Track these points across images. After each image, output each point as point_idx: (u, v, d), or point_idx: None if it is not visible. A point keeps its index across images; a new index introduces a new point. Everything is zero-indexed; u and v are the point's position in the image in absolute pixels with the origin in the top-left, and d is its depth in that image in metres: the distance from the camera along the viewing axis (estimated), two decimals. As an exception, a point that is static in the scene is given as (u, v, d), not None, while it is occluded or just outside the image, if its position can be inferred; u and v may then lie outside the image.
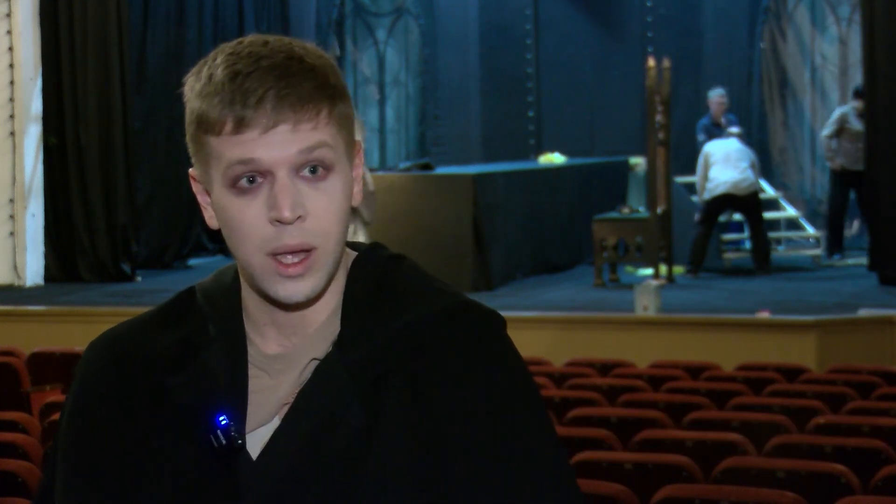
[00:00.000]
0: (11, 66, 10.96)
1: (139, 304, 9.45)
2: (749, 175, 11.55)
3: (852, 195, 12.54)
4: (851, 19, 14.32)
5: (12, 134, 10.99)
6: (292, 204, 1.54)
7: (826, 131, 12.67)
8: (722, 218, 12.12)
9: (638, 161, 13.58)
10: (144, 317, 1.71)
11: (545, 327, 8.87)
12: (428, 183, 11.22)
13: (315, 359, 1.62)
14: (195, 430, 1.59)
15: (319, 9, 15.52)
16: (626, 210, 11.47)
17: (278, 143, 1.54)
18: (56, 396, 5.77)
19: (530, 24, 15.53)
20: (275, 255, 1.56)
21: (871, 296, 9.90)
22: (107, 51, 11.44)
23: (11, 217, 11.00)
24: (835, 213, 12.59)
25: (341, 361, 1.59)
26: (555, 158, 13.61)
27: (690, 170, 13.23)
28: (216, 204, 1.60)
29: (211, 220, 1.63)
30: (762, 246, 11.72)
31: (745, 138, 12.27)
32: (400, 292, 1.64)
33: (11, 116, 10.98)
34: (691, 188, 12.75)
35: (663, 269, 10.96)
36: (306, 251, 1.56)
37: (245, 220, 1.56)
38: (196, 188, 1.64)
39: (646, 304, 8.86)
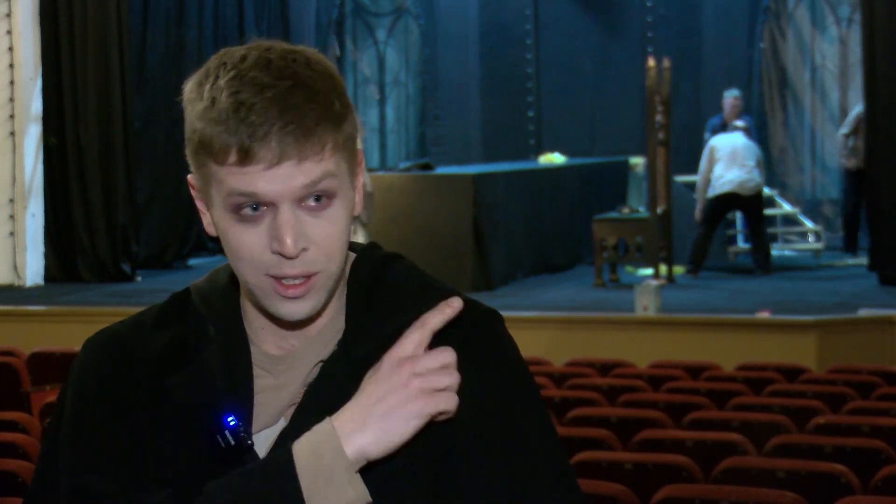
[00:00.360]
0: (11, 66, 10.96)
1: (139, 304, 9.42)
2: (755, 175, 11.52)
3: None
4: (851, 19, 14.32)
5: (12, 134, 10.99)
6: (295, 238, 1.53)
7: (843, 130, 12.66)
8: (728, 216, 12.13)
9: (638, 161, 13.58)
10: (140, 316, 1.71)
11: (545, 327, 8.87)
12: (428, 183, 11.22)
13: (321, 361, 1.62)
14: (197, 430, 1.59)
15: (319, 9, 15.53)
16: (626, 210, 11.47)
17: (283, 177, 1.53)
18: (56, 396, 5.76)
19: (530, 24, 15.53)
20: (275, 279, 1.56)
21: (871, 296, 9.90)
22: (107, 51, 11.44)
23: (11, 217, 11.00)
24: (850, 213, 12.59)
25: (347, 361, 1.60)
26: (555, 158, 13.61)
27: (691, 169, 13.25)
28: (217, 222, 1.59)
29: (209, 227, 1.62)
30: (763, 246, 11.71)
31: (751, 133, 12.27)
32: (401, 291, 1.65)
33: (11, 116, 10.98)
34: (694, 187, 12.77)
35: (663, 269, 10.96)
36: (307, 276, 1.56)
37: (245, 245, 1.56)
38: (194, 194, 1.63)
39: (646, 304, 8.86)
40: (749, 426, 5.04)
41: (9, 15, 10.94)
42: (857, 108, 12.70)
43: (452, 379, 1.52)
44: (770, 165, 14.39)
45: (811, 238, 13.13)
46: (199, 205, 1.63)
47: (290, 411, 1.60)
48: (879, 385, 6.20)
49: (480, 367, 1.60)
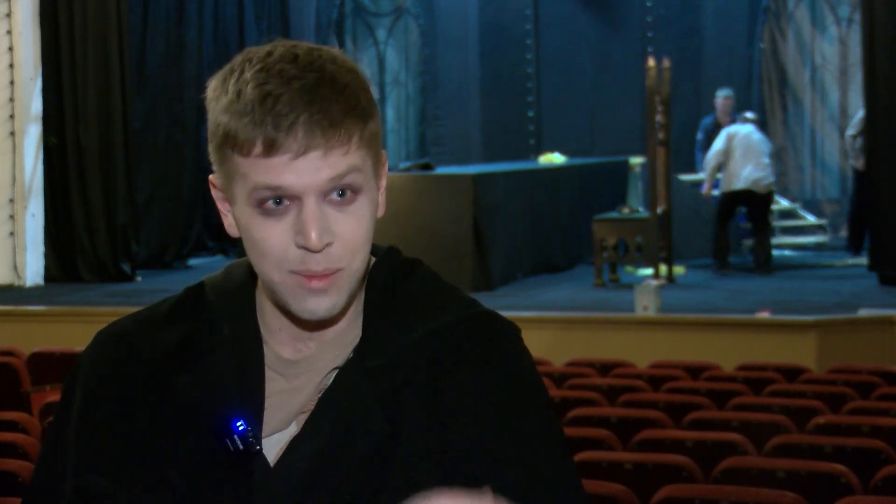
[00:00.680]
0: (11, 66, 10.96)
1: (139, 305, 9.38)
2: (769, 173, 11.63)
3: None
4: (851, 19, 14.32)
5: (12, 134, 10.99)
6: (320, 232, 1.51)
7: (850, 131, 12.69)
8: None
9: (638, 161, 13.59)
10: (152, 310, 1.69)
11: (545, 327, 8.87)
12: (428, 183, 11.22)
13: (335, 367, 1.60)
14: (206, 432, 1.57)
15: (319, 9, 15.53)
16: (626, 210, 11.47)
17: (308, 169, 1.51)
18: (56, 396, 5.76)
19: (530, 24, 15.54)
20: (298, 274, 1.54)
21: (871, 296, 9.90)
22: (107, 51, 11.44)
23: (11, 217, 11.00)
24: (855, 212, 12.62)
25: (362, 369, 1.58)
26: (555, 158, 13.61)
27: (690, 169, 13.27)
28: (239, 219, 1.57)
29: (231, 227, 1.60)
30: (766, 246, 11.75)
31: (760, 126, 12.38)
32: (419, 300, 1.64)
33: (11, 116, 10.98)
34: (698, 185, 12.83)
35: (663, 269, 10.96)
36: (331, 273, 1.55)
37: (269, 240, 1.53)
38: (216, 195, 1.61)
39: (646, 304, 8.86)
40: (749, 426, 5.04)
41: (9, 15, 10.94)
42: (863, 110, 12.75)
43: None
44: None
45: (816, 233, 13.16)
46: (221, 206, 1.61)
47: (303, 418, 1.58)
48: (879, 385, 6.20)
49: (500, 379, 1.60)
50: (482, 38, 15.71)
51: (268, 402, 1.60)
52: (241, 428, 1.55)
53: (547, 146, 14.86)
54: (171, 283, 11.00)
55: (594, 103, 15.29)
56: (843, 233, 13.81)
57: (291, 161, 1.51)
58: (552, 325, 8.94)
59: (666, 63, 11.21)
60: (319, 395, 1.59)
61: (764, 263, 11.63)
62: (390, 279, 1.65)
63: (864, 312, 8.87)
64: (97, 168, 11.49)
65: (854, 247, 12.55)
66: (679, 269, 11.46)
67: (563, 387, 6.18)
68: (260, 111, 1.50)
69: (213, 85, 1.57)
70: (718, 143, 11.71)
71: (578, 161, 13.79)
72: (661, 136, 11.07)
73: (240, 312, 1.64)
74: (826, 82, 14.70)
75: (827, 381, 6.40)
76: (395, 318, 1.61)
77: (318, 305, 1.55)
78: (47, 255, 11.29)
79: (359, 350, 1.60)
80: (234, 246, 12.45)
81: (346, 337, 1.62)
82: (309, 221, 1.51)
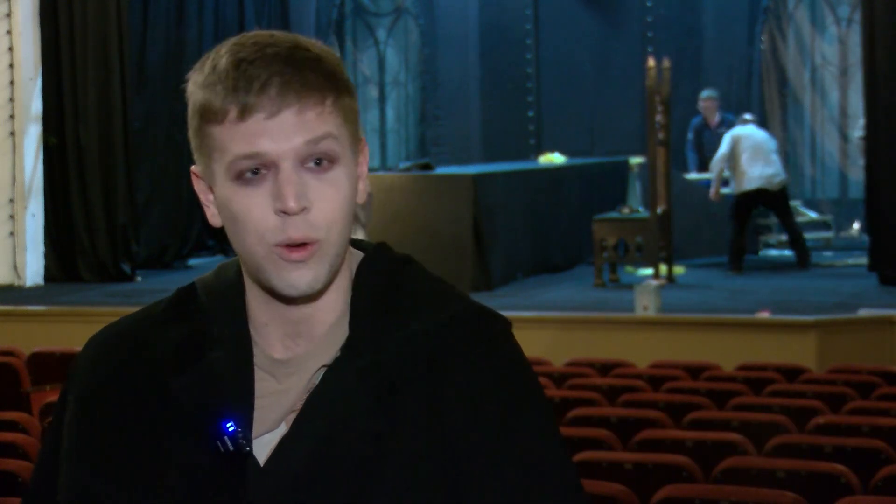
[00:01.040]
0: (11, 66, 10.96)
1: (139, 305, 9.37)
2: (780, 169, 11.75)
3: None
4: (851, 19, 14.32)
5: (12, 134, 10.99)
6: (297, 194, 1.52)
7: (860, 132, 12.73)
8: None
9: (637, 161, 13.59)
10: (144, 313, 1.69)
11: (545, 327, 8.87)
12: (428, 183, 11.22)
13: (324, 366, 1.60)
14: (200, 433, 1.58)
15: (319, 9, 15.53)
16: (626, 210, 11.47)
17: (283, 131, 1.53)
18: (56, 396, 5.76)
19: (530, 24, 15.53)
20: (278, 246, 1.54)
21: (871, 296, 9.90)
22: (107, 51, 11.44)
23: (11, 217, 11.00)
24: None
25: (351, 367, 1.58)
26: (555, 158, 13.60)
27: (684, 169, 13.28)
28: (220, 198, 1.58)
29: (213, 217, 1.61)
30: (799, 239, 11.86)
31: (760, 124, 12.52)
32: (409, 297, 1.63)
33: (11, 116, 10.98)
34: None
35: (663, 269, 10.96)
36: (310, 243, 1.55)
37: (250, 210, 1.54)
38: (198, 186, 1.62)
39: (646, 304, 8.86)
40: (749, 426, 5.04)
41: (9, 15, 10.94)
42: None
43: None
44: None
45: (821, 229, 13.18)
46: (204, 197, 1.61)
47: (292, 417, 1.58)
48: (879, 385, 6.20)
49: (492, 374, 1.59)
50: (482, 38, 15.70)
51: (259, 403, 1.60)
52: (230, 429, 1.56)
53: (547, 146, 14.85)
54: (171, 283, 10.97)
55: (594, 103, 15.28)
56: (844, 232, 13.83)
57: (265, 121, 1.52)
58: (552, 325, 8.94)
59: (666, 63, 11.21)
60: (308, 394, 1.59)
61: (804, 257, 11.74)
62: (379, 275, 1.64)
63: (864, 312, 8.87)
64: (97, 168, 11.49)
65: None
66: (679, 269, 11.46)
67: (563, 387, 6.18)
68: (233, 75, 1.53)
69: (192, 76, 1.59)
70: (724, 148, 11.77)
71: (578, 161, 13.79)
72: (661, 136, 11.07)
73: (230, 313, 1.64)
74: (826, 82, 14.70)
75: (827, 381, 6.41)
76: (384, 315, 1.61)
77: (299, 278, 1.55)
78: (47, 255, 11.29)
79: (347, 348, 1.59)
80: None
81: (335, 335, 1.61)
82: (285, 184, 1.52)
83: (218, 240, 13.37)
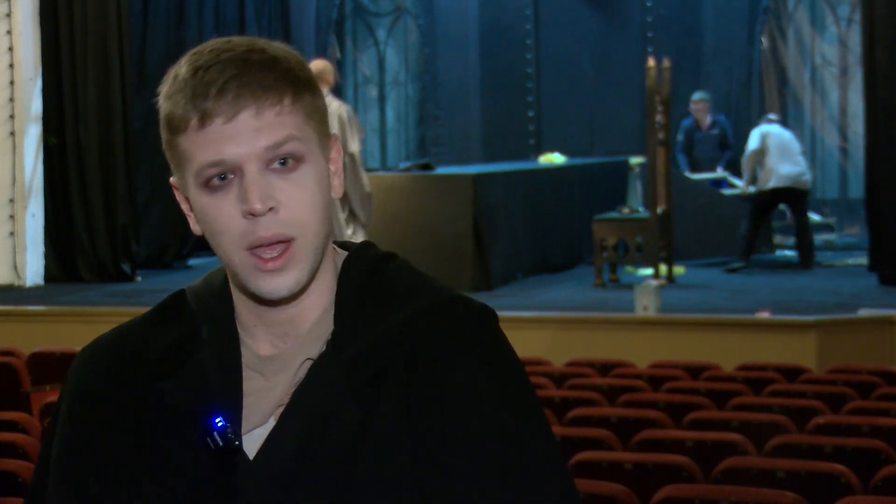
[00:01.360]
0: (11, 66, 10.96)
1: (139, 304, 9.45)
2: (806, 168, 11.89)
3: None
4: (851, 19, 14.32)
5: (12, 134, 10.99)
6: (262, 195, 1.53)
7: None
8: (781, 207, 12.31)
9: (638, 161, 13.59)
10: (135, 321, 1.71)
11: (545, 327, 8.87)
12: (428, 183, 11.21)
13: (309, 358, 1.61)
14: (191, 433, 1.59)
15: (319, 9, 15.52)
16: (626, 210, 11.47)
17: (244, 134, 1.54)
18: (56, 396, 5.76)
19: (530, 23, 15.53)
20: (253, 249, 1.56)
21: (871, 296, 9.90)
22: (107, 51, 11.44)
23: (11, 217, 11.00)
24: None
25: (335, 360, 1.59)
26: (555, 158, 13.60)
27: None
28: (195, 207, 1.60)
29: (195, 226, 1.63)
30: (809, 239, 11.93)
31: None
32: (391, 290, 1.63)
33: (11, 116, 10.98)
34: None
35: (663, 269, 10.96)
36: (283, 242, 1.56)
37: (219, 216, 1.56)
38: (178, 197, 1.64)
39: (646, 304, 8.86)
40: (749, 426, 5.04)
41: (9, 15, 10.94)
42: None
43: None
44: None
45: (822, 231, 13.20)
46: (184, 207, 1.64)
47: (280, 411, 1.60)
48: (879, 385, 6.20)
49: (472, 362, 1.58)
50: (482, 38, 15.70)
51: (247, 401, 1.61)
52: (219, 425, 1.57)
53: (547, 146, 14.85)
54: (171, 283, 10.99)
55: (594, 103, 15.28)
56: (844, 232, 13.85)
57: (225, 126, 1.54)
58: (552, 325, 8.94)
59: (666, 63, 11.21)
60: (294, 388, 1.60)
61: (809, 258, 11.80)
62: (363, 272, 1.65)
63: (864, 312, 8.87)
64: (97, 168, 11.49)
65: None
66: (679, 269, 11.46)
67: (563, 387, 6.18)
68: (192, 83, 1.55)
69: (160, 88, 1.62)
70: (753, 143, 11.85)
71: (578, 161, 13.78)
72: (661, 136, 11.08)
73: (217, 315, 1.65)
74: (826, 82, 14.70)
75: (827, 381, 6.40)
76: (368, 308, 1.62)
77: (279, 283, 1.56)
78: (47, 255, 11.29)
79: (332, 342, 1.61)
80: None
81: (320, 330, 1.63)
82: (249, 186, 1.54)
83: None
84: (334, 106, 9.50)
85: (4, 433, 4.61)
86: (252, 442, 1.59)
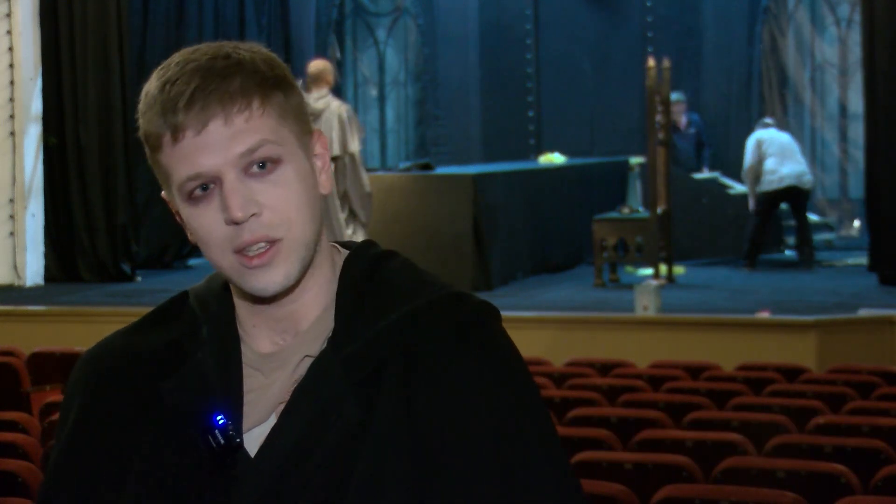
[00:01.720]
0: (11, 66, 10.96)
1: (139, 304, 9.45)
2: (807, 168, 12.05)
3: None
4: (851, 19, 14.32)
5: (12, 134, 10.99)
6: (242, 203, 1.54)
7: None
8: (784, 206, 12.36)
9: (638, 161, 13.60)
10: (136, 322, 1.72)
11: (545, 327, 8.87)
12: (428, 183, 11.22)
13: (308, 356, 1.61)
14: (191, 432, 1.59)
15: (319, 9, 15.52)
16: (626, 210, 11.47)
17: (216, 144, 1.54)
18: (56, 396, 5.77)
19: (530, 23, 15.53)
20: (239, 251, 1.56)
21: (871, 296, 9.90)
22: (107, 51, 11.44)
23: (11, 217, 11.00)
24: None
25: (335, 357, 1.59)
26: (555, 158, 13.60)
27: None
28: (183, 219, 1.60)
29: (191, 236, 1.63)
30: (810, 239, 12.01)
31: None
32: (392, 288, 1.63)
33: (11, 116, 10.98)
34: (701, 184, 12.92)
35: (663, 269, 10.96)
36: (270, 242, 1.56)
37: (204, 226, 1.57)
38: (172, 209, 1.64)
39: (646, 304, 8.86)
40: (749, 426, 5.04)
41: (9, 15, 10.94)
42: None
43: None
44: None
45: (822, 231, 13.22)
46: (178, 219, 1.63)
47: (281, 408, 1.60)
48: (879, 385, 6.20)
49: (472, 359, 1.58)
50: (482, 38, 15.70)
51: (247, 398, 1.61)
52: (220, 422, 1.58)
53: (547, 146, 14.85)
54: (171, 283, 10.99)
55: (594, 103, 15.28)
56: (844, 232, 13.85)
57: (196, 138, 1.54)
58: (552, 325, 8.94)
59: (666, 63, 11.22)
60: (295, 385, 1.60)
61: (810, 258, 11.88)
62: (364, 270, 1.65)
63: (864, 312, 8.87)
64: (97, 168, 11.49)
65: None
66: (679, 269, 11.46)
67: (563, 387, 6.18)
68: (161, 99, 1.55)
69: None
70: (750, 156, 11.95)
71: (578, 161, 13.79)
72: (661, 136, 11.08)
73: (218, 314, 1.66)
74: (826, 82, 14.70)
75: (827, 381, 6.40)
76: (368, 305, 1.61)
77: (269, 280, 1.57)
78: (47, 255, 11.29)
79: (332, 339, 1.60)
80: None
81: (320, 328, 1.63)
82: (229, 195, 1.54)
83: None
84: (334, 105, 9.51)
85: (4, 433, 4.61)
86: (252, 440, 1.59)
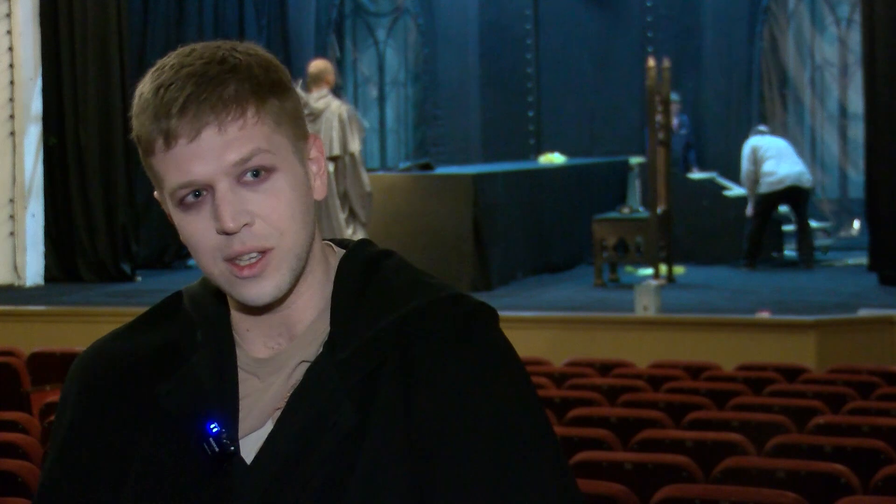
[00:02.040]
0: (11, 66, 10.96)
1: (139, 304, 9.45)
2: (807, 168, 12.14)
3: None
4: (851, 19, 14.32)
5: (12, 134, 10.99)
6: (234, 214, 1.52)
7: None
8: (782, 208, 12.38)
9: (638, 161, 13.60)
10: (130, 323, 1.70)
11: (545, 327, 8.87)
12: (428, 183, 11.22)
13: (304, 361, 1.60)
14: (186, 438, 1.58)
15: (319, 9, 15.52)
16: (626, 210, 11.47)
17: (209, 152, 1.52)
18: (56, 396, 5.77)
19: (530, 23, 15.53)
20: (230, 260, 1.54)
21: (871, 296, 9.90)
22: (107, 51, 11.44)
23: (11, 217, 11.00)
24: None
25: (332, 362, 1.57)
26: (555, 158, 13.61)
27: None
28: (175, 223, 1.59)
29: (182, 239, 1.62)
30: (810, 239, 12.06)
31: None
32: (388, 289, 1.61)
33: (11, 116, 10.98)
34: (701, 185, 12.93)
35: (663, 269, 10.96)
36: (261, 252, 1.54)
37: (195, 234, 1.55)
38: (165, 210, 1.62)
39: (646, 304, 8.86)
40: (749, 426, 5.04)
41: (9, 15, 10.94)
42: None
43: None
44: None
45: (819, 236, 13.21)
46: (171, 220, 1.62)
47: (277, 414, 1.59)
48: (879, 385, 6.20)
49: (469, 361, 1.56)
50: (482, 38, 15.70)
51: (243, 403, 1.60)
52: (214, 430, 1.56)
53: (547, 146, 14.85)
54: (171, 283, 10.99)
55: (594, 103, 15.28)
56: (844, 232, 13.86)
57: (189, 146, 1.52)
58: (552, 325, 8.94)
59: (666, 63, 11.22)
60: (291, 390, 1.59)
61: (809, 257, 11.91)
62: (359, 270, 1.63)
63: (864, 312, 8.87)
64: (97, 168, 11.49)
65: None
66: (679, 269, 11.46)
67: (563, 387, 6.18)
68: (154, 103, 1.53)
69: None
70: (747, 163, 12.03)
71: (578, 161, 13.79)
72: (661, 136, 11.08)
73: (213, 318, 1.64)
74: (826, 82, 14.70)
75: (827, 381, 6.40)
76: (364, 308, 1.60)
77: (259, 290, 1.55)
78: (47, 255, 11.29)
79: (329, 343, 1.59)
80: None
81: (316, 331, 1.61)
82: (221, 205, 1.52)
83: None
84: (335, 105, 9.51)
85: (4, 433, 4.60)
86: (249, 445, 1.58)
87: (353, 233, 9.59)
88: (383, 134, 16.63)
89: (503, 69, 15.62)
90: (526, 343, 7.60)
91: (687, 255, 12.07)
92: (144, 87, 1.57)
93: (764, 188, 11.91)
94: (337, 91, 10.53)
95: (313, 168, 1.61)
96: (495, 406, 1.55)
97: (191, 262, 13.00)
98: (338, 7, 16.16)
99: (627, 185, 13.83)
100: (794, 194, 11.90)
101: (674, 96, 13.23)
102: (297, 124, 1.59)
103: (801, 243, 12.09)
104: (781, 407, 5.48)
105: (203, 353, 1.62)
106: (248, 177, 1.53)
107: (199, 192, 1.54)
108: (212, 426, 1.56)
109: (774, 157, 11.89)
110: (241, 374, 1.62)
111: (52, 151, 11.37)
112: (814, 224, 13.33)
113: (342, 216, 9.56)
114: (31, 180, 11.08)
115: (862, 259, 11.72)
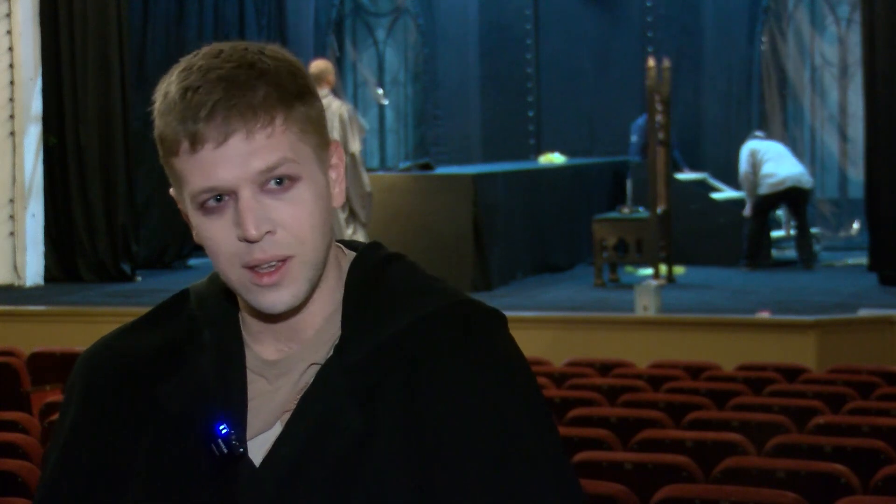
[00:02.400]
0: (11, 66, 10.96)
1: (139, 304, 9.45)
2: (805, 168, 12.25)
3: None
4: (851, 19, 14.32)
5: (12, 134, 10.99)
6: (257, 222, 1.51)
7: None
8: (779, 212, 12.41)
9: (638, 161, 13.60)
10: (134, 322, 1.70)
11: (545, 327, 8.87)
12: (428, 183, 11.22)
13: (314, 363, 1.60)
14: (192, 438, 1.58)
15: (318, 9, 15.52)
16: (626, 210, 11.47)
17: (235, 159, 1.51)
18: (56, 396, 5.77)
19: (530, 24, 15.53)
20: (249, 267, 1.54)
21: (871, 296, 9.90)
22: (107, 51, 11.44)
23: (11, 217, 11.00)
24: None
25: (341, 366, 1.57)
26: (555, 158, 13.61)
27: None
28: (193, 224, 1.58)
29: (196, 237, 1.61)
30: (809, 239, 12.09)
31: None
32: (399, 294, 1.61)
33: (11, 116, 10.98)
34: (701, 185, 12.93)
35: (663, 269, 10.96)
36: (281, 260, 1.54)
37: (215, 238, 1.54)
38: (180, 209, 1.62)
39: (646, 304, 8.86)
40: (749, 426, 5.04)
41: (9, 15, 10.94)
42: None
43: None
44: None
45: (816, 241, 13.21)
46: (185, 218, 1.61)
47: (286, 416, 1.58)
48: (879, 385, 6.20)
49: (479, 368, 1.57)
50: (482, 38, 15.70)
51: (251, 405, 1.60)
52: (223, 431, 1.56)
53: (547, 146, 14.85)
54: (171, 283, 10.99)
55: (594, 103, 15.28)
56: (844, 232, 13.86)
57: (216, 151, 1.51)
58: (552, 325, 8.94)
59: (666, 63, 11.22)
60: (300, 393, 1.59)
61: (809, 257, 11.95)
62: (370, 274, 1.63)
63: (864, 312, 8.87)
64: (97, 168, 11.49)
65: None
66: (679, 269, 11.46)
67: (563, 387, 6.18)
68: (181, 105, 1.52)
69: (155, 96, 1.59)
70: (745, 164, 12.05)
71: (578, 161, 13.79)
72: (661, 136, 11.08)
73: (221, 318, 1.64)
74: (826, 82, 14.70)
75: (827, 381, 6.40)
76: (374, 312, 1.60)
77: (276, 299, 1.55)
78: (47, 255, 11.29)
79: (339, 347, 1.59)
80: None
81: (326, 335, 1.61)
82: (244, 212, 1.51)
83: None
84: (335, 106, 9.50)
85: (4, 433, 4.60)
86: (257, 447, 1.58)
87: (353, 233, 9.59)
88: (383, 134, 16.63)
89: (503, 69, 15.62)
90: (526, 343, 7.56)
91: (679, 257, 12.05)
92: (171, 87, 1.55)
93: (764, 189, 11.94)
94: (337, 91, 10.53)
95: (333, 175, 1.61)
96: (501, 412, 1.56)
97: (191, 261, 13.01)
98: (337, 7, 16.16)
99: (627, 185, 13.83)
100: (795, 195, 11.94)
101: None
102: (321, 131, 1.59)
103: (801, 244, 12.11)
104: (781, 407, 5.48)
105: (211, 354, 1.62)
106: (272, 185, 1.53)
107: (221, 196, 1.53)
108: (220, 427, 1.55)
109: (774, 160, 11.93)
110: (250, 376, 1.61)
111: (52, 151, 11.37)
112: (814, 230, 13.35)
113: (342, 216, 9.56)
114: (31, 180, 11.08)
115: (862, 259, 11.72)
